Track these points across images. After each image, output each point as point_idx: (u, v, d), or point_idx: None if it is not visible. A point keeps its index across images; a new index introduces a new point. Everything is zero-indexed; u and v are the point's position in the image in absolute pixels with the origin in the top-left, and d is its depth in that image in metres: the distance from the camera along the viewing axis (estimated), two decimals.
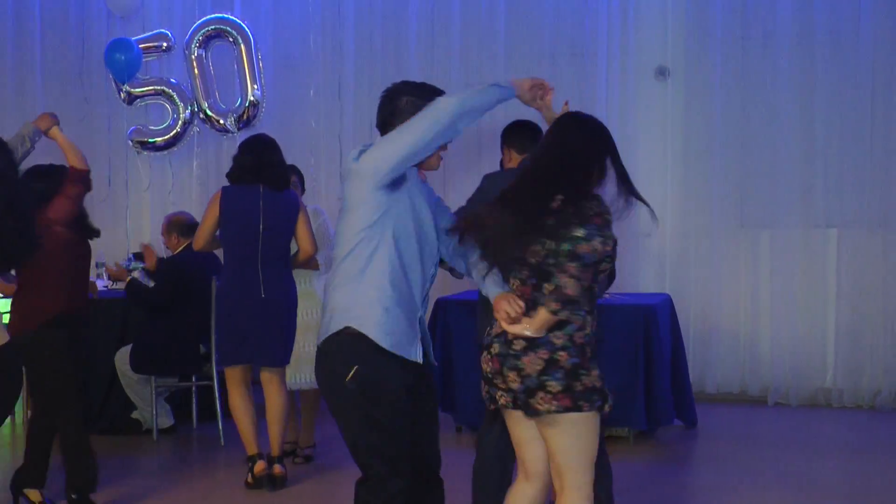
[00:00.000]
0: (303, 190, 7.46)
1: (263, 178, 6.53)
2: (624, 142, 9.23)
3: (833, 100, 9.04)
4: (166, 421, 8.10)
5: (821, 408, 9.01)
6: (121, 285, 8.58)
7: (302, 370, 7.19)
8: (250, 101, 9.94)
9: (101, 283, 8.84)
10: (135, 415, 8.13)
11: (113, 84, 10.15)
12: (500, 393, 4.07)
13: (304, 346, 7.13)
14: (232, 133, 9.94)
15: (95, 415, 8.07)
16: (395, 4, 9.92)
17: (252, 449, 6.63)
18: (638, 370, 7.38)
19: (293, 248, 6.77)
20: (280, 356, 6.66)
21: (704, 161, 9.35)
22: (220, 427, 7.80)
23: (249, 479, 6.59)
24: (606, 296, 6.11)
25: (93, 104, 10.54)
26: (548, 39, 9.59)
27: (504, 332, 4.02)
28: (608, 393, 4.05)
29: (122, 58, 9.76)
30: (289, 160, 9.93)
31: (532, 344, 3.96)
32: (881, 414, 8.78)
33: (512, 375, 3.99)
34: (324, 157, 10.08)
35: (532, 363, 3.96)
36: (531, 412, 4.00)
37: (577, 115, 4.21)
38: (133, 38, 9.97)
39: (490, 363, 4.07)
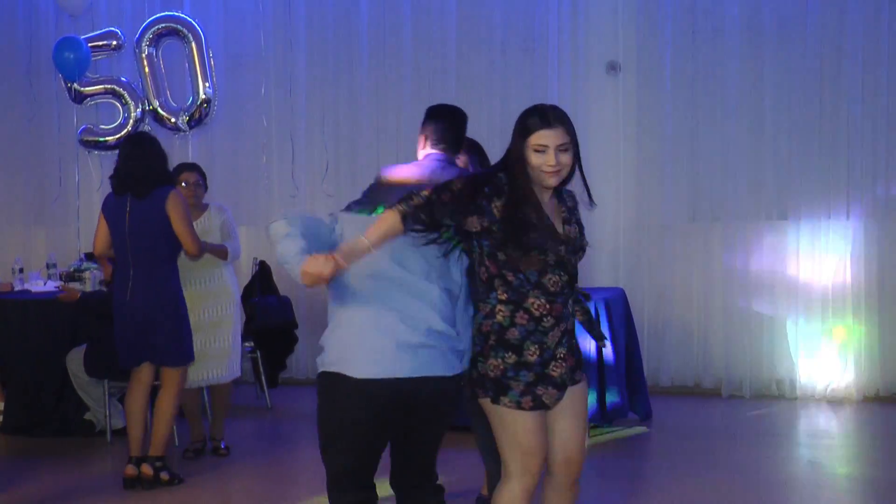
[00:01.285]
0: (205, 188, 7.43)
1: (128, 188, 6.55)
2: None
3: (781, 94, 9.12)
4: (119, 422, 8.03)
5: (773, 399, 9.09)
6: (74, 285, 8.53)
7: (208, 366, 7.20)
8: (202, 99, 9.88)
9: (53, 284, 8.76)
10: (87, 416, 8.06)
11: (62, 83, 10.06)
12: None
13: (213, 343, 7.16)
14: (184, 132, 9.89)
15: (48, 416, 8.01)
16: (347, 1, 9.90)
17: (133, 450, 6.65)
18: (592, 364, 7.41)
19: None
20: (167, 356, 6.64)
21: (656, 155, 9.40)
22: (174, 427, 7.74)
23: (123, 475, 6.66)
24: None
25: (42, 104, 10.45)
26: (499, 34, 9.61)
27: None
28: (510, 388, 4.05)
29: (71, 56, 9.67)
30: (240, 158, 10.01)
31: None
32: (832, 404, 8.86)
33: None
34: (276, 154, 10.05)
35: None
36: None
37: None
38: (82, 37, 9.88)
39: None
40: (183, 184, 7.18)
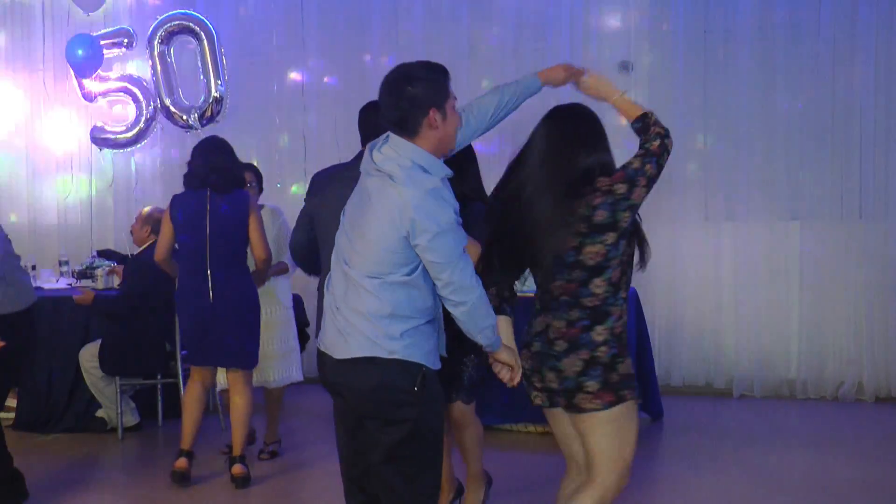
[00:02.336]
0: (260, 189, 7.41)
1: (210, 183, 6.52)
2: None
3: (794, 94, 9.11)
4: (131, 419, 8.06)
5: (785, 399, 9.09)
6: (86, 282, 8.55)
7: (265, 368, 7.18)
8: (214, 98, 9.87)
9: (65, 281, 8.78)
10: (99, 413, 8.08)
11: (75, 81, 10.07)
12: (535, 393, 4.16)
13: (267, 345, 7.12)
14: (196, 129, 9.89)
15: (60, 413, 8.04)
16: None
17: (184, 443, 6.70)
18: None
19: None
20: (240, 359, 6.64)
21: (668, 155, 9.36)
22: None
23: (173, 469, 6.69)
24: None
25: (55, 101, 10.45)
26: (511, 34, 9.59)
27: (544, 331, 4.09)
28: (635, 386, 4.13)
29: (84, 54, 9.67)
30: (252, 157, 9.99)
31: (574, 345, 4.02)
32: (844, 405, 8.85)
33: (550, 376, 4.05)
34: (287, 153, 10.05)
35: (571, 365, 4.02)
36: (575, 410, 4.06)
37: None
38: (95, 35, 9.88)
39: (528, 360, 4.12)
40: None
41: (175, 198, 6.65)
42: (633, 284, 8.55)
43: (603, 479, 4.11)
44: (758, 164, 9.20)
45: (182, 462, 6.66)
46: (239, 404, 6.67)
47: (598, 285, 4.02)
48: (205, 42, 9.83)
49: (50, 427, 8.00)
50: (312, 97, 9.97)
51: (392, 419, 3.88)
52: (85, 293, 7.99)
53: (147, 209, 8.11)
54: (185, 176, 6.65)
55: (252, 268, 6.78)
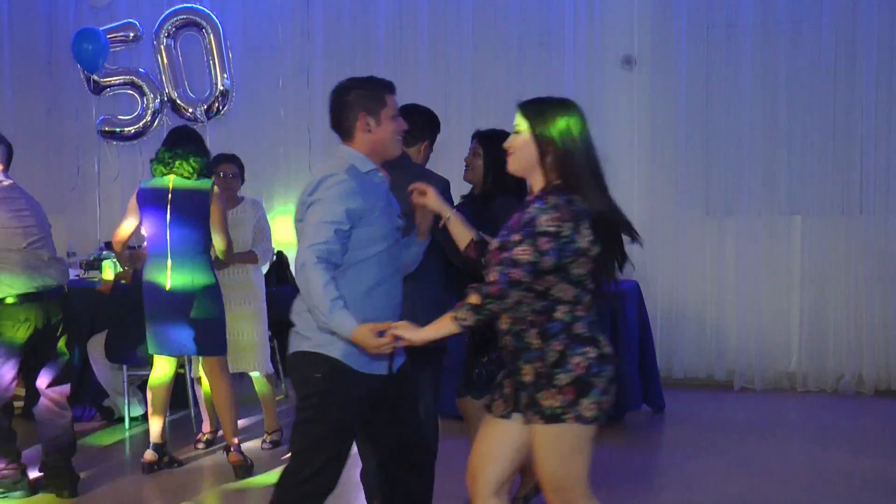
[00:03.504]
0: (242, 181, 7.43)
1: (174, 170, 6.54)
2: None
3: (796, 89, 9.15)
4: (138, 409, 8.11)
5: (785, 392, 9.13)
6: (93, 274, 8.60)
7: (238, 357, 7.19)
8: (220, 91, 9.94)
9: (74, 272, 8.83)
10: (107, 402, 8.14)
11: (81, 74, 10.14)
12: None
13: (242, 335, 7.15)
14: (202, 122, 9.94)
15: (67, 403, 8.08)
16: None
17: (153, 437, 6.77)
18: None
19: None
20: (204, 347, 6.63)
21: (670, 150, 9.43)
22: (192, 414, 7.81)
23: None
24: None
25: (61, 94, 10.52)
26: (515, 28, 9.65)
27: None
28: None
29: (90, 47, 9.72)
30: (258, 150, 10.04)
31: None
32: (844, 398, 8.89)
33: None
34: (292, 146, 10.10)
35: None
36: None
37: None
38: (101, 28, 9.94)
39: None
40: (220, 175, 7.11)
41: (141, 188, 6.65)
42: (635, 278, 8.69)
43: None
44: (759, 158, 9.24)
45: (148, 455, 6.74)
46: (219, 392, 6.69)
47: None
48: (211, 36, 9.90)
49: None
50: (317, 90, 10.00)
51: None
52: (105, 284, 8.07)
53: None
54: (150, 162, 6.69)
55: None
